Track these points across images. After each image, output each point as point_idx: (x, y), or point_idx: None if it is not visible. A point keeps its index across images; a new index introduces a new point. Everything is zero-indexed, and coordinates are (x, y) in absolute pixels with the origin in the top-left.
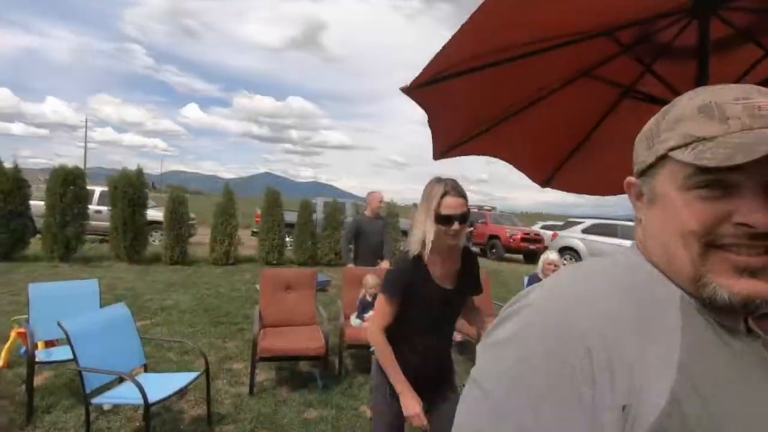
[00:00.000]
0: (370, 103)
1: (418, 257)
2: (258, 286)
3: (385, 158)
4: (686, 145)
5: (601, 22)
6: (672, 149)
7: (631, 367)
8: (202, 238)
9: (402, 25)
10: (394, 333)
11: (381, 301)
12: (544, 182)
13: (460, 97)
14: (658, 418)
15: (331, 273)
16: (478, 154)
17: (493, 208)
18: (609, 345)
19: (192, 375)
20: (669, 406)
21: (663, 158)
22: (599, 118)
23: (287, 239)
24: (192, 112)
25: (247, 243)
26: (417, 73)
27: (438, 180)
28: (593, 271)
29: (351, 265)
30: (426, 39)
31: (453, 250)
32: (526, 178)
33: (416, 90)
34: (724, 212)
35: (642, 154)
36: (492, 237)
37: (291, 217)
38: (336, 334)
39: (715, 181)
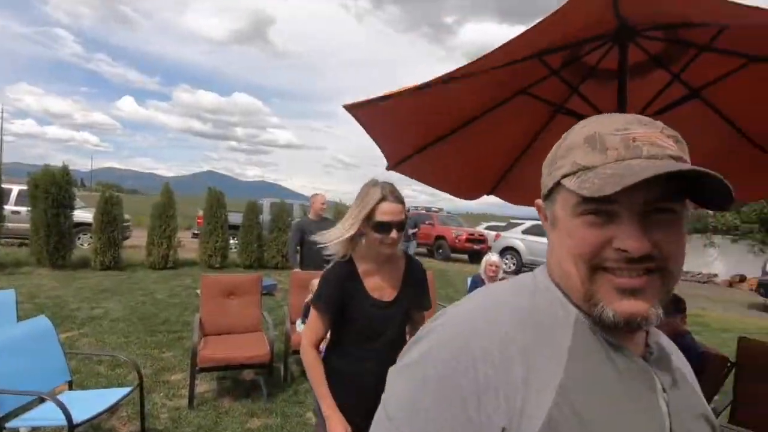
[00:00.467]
0: (320, 101)
1: (349, 267)
2: (199, 292)
3: (335, 158)
4: (574, 173)
5: (531, 46)
6: (564, 176)
7: (516, 391)
8: (138, 240)
9: (352, 24)
10: (336, 348)
11: (312, 316)
12: (490, 191)
13: (402, 115)
14: None
15: (278, 277)
16: (426, 183)
17: (440, 210)
18: (497, 370)
19: (123, 390)
20: (545, 429)
21: (558, 184)
22: (535, 132)
23: (232, 241)
24: (127, 105)
25: (188, 246)
26: (367, 73)
27: (374, 183)
28: (496, 296)
29: (298, 270)
30: (375, 39)
31: (391, 258)
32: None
33: (358, 108)
34: (606, 238)
35: (545, 178)
36: (438, 238)
37: (236, 218)
38: (282, 340)
39: (598, 209)
